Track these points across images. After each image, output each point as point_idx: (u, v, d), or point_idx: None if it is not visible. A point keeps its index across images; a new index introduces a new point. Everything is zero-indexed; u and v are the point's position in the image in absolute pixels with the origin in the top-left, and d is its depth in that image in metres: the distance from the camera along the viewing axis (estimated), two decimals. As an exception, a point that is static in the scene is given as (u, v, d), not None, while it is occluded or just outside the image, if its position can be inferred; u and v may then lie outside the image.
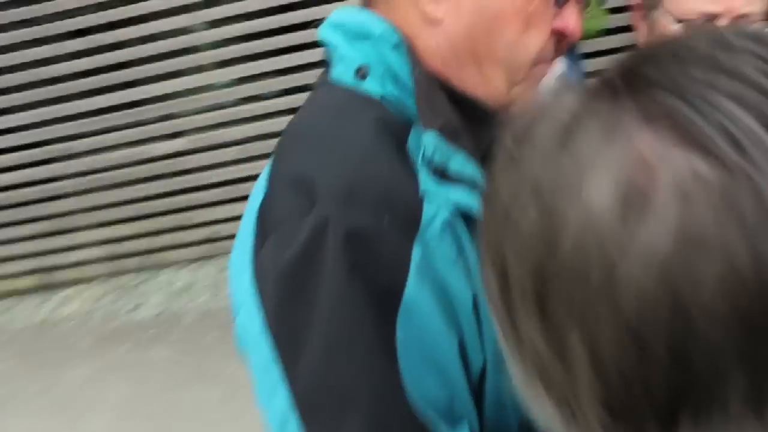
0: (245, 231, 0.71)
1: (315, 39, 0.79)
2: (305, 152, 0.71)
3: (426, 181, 0.67)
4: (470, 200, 0.68)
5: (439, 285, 0.66)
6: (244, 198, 0.78)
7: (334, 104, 0.74)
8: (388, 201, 0.65)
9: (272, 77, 3.47)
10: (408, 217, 0.65)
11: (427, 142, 0.68)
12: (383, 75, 0.71)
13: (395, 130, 0.69)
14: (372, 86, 0.71)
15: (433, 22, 0.71)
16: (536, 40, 0.74)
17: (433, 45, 0.72)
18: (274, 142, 0.78)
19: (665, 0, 1.03)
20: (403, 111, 0.71)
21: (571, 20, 0.97)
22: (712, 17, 0.97)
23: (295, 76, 3.38)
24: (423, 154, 0.68)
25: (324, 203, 0.64)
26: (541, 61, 1.01)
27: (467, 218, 0.67)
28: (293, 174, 0.69)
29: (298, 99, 2.85)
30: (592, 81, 0.36)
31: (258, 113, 3.51)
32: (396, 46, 0.71)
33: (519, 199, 0.35)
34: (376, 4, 0.75)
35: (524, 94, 0.77)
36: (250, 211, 0.72)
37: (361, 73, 0.72)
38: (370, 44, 0.72)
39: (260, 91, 3.51)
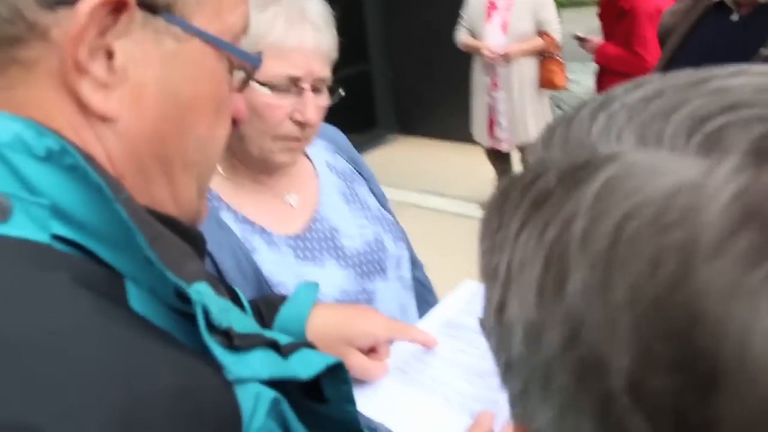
0: None
1: None
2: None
3: (224, 356, 0.51)
4: (278, 366, 0.56)
5: None
6: None
7: None
8: (184, 415, 0.46)
9: None
10: (221, 424, 0.49)
11: (204, 300, 0.51)
12: (36, 207, 0.48)
13: (109, 292, 0.49)
14: (21, 228, 0.48)
15: (104, 119, 0.52)
16: (224, 132, 0.62)
17: (101, 152, 0.52)
18: None
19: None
20: (91, 256, 0.50)
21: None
22: (295, 80, 1.09)
23: None
24: (207, 318, 0.51)
25: None
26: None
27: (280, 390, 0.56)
28: None
29: None
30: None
31: None
32: (57, 154, 0.49)
33: None
34: None
35: (204, 203, 0.65)
36: None
37: None
38: None
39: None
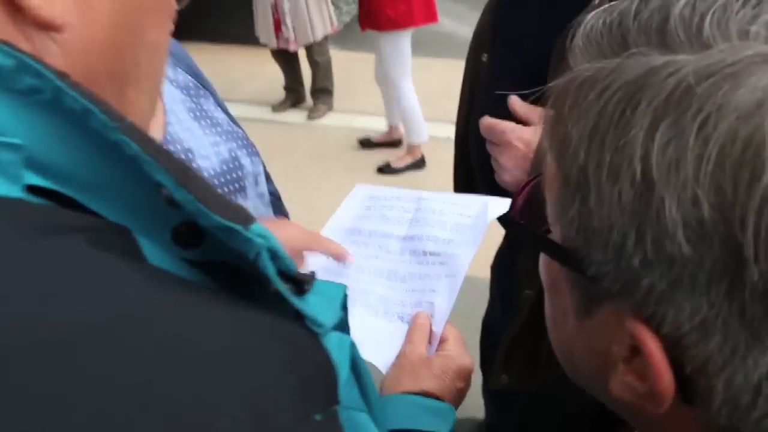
0: None
1: None
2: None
3: (308, 309, 0.43)
4: (331, 308, 0.48)
5: None
6: None
7: None
8: (299, 390, 0.38)
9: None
10: (325, 387, 0.42)
11: (270, 243, 0.41)
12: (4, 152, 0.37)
13: (125, 250, 0.40)
14: None
15: (46, 27, 0.40)
16: (168, 34, 0.51)
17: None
18: None
19: None
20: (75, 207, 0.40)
21: None
22: None
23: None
24: (278, 266, 0.42)
25: None
26: None
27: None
28: None
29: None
30: None
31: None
32: (14, 70, 0.38)
33: None
34: None
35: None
36: None
37: None
38: None
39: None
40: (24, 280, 0.34)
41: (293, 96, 5.48)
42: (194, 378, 0.34)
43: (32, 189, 0.38)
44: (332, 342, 0.45)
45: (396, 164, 4.47)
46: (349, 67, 5.79)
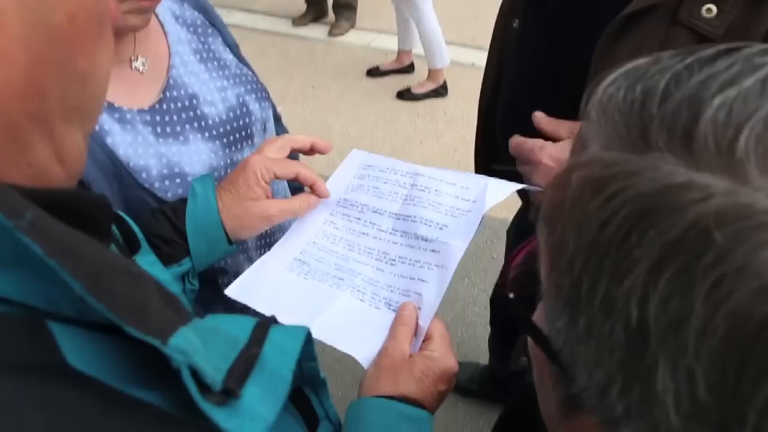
0: None
1: None
2: None
3: (230, 422, 0.41)
4: (271, 389, 0.47)
5: None
6: None
7: None
8: None
9: None
10: None
11: (191, 357, 0.40)
12: None
13: (39, 354, 0.38)
14: None
15: None
16: (108, 57, 0.47)
17: None
18: None
19: None
20: None
21: None
22: None
23: None
24: (199, 380, 0.40)
25: None
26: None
27: None
28: None
29: None
30: None
31: None
32: None
33: None
34: None
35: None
36: None
37: None
38: None
39: None
40: None
41: (315, 10, 5.27)
42: None
43: None
44: None
45: (416, 90, 4.28)
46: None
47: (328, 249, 1.00)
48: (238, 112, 1.14)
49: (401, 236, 0.97)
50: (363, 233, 1.00)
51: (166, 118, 1.04)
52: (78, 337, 0.39)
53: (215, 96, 1.12)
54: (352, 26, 5.15)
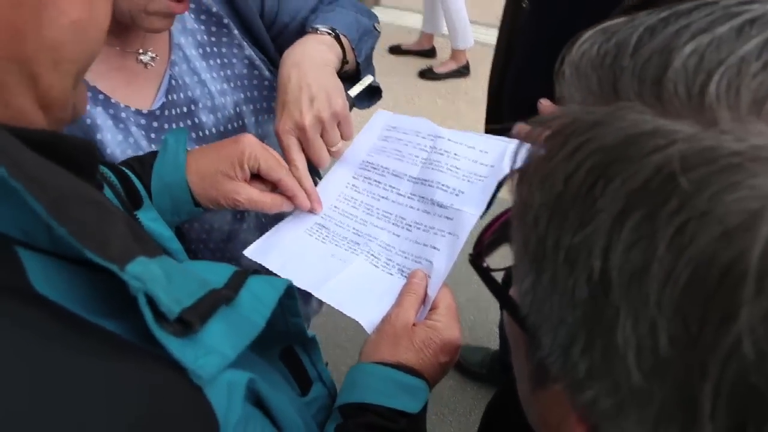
0: None
1: None
2: None
3: (184, 353, 0.42)
4: (237, 330, 0.48)
5: None
6: None
7: None
8: None
9: None
10: None
11: (148, 286, 0.41)
12: None
13: (5, 277, 0.39)
14: None
15: None
16: (105, 10, 0.47)
17: None
18: None
19: None
20: None
21: None
22: None
23: None
24: (155, 305, 0.41)
25: None
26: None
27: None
28: None
29: None
30: None
31: None
32: None
33: None
34: None
35: (82, 92, 0.50)
36: None
37: None
38: None
39: None
40: None
41: (339, -15, 5.20)
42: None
43: None
44: (219, 388, 0.44)
45: (438, 69, 4.25)
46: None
47: (348, 213, 0.99)
48: (233, 125, 1.08)
49: (419, 201, 0.95)
50: (383, 197, 0.99)
51: (165, 126, 0.99)
52: (48, 266, 0.40)
53: (214, 101, 1.06)
54: (376, 3, 5.10)
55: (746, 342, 0.27)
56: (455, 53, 4.21)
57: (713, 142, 0.29)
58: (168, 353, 0.41)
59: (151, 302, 0.41)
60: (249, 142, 0.91)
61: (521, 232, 0.38)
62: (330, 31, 1.04)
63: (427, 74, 4.25)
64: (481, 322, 2.59)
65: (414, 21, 4.72)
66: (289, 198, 0.95)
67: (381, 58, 4.43)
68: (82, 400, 0.36)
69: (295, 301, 0.60)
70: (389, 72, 4.23)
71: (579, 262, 0.32)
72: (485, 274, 0.49)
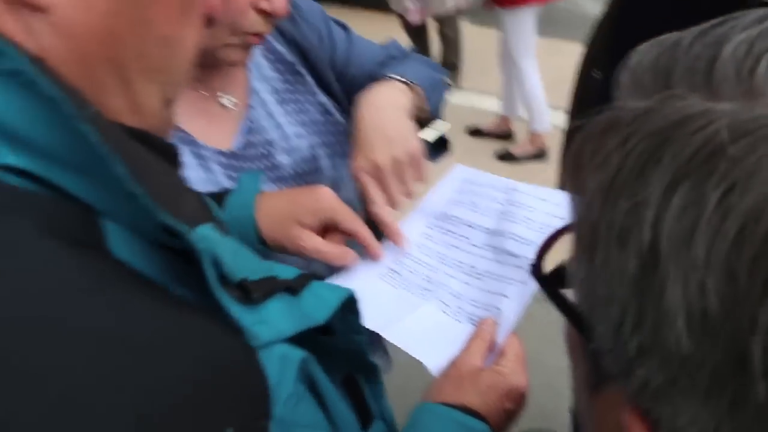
0: None
1: None
2: None
3: (243, 316, 0.44)
4: (296, 315, 0.49)
5: None
6: None
7: None
8: (211, 404, 0.39)
9: None
10: (249, 401, 0.42)
11: (213, 248, 0.43)
12: None
13: (83, 237, 0.41)
14: None
15: (33, 7, 0.41)
16: (194, 32, 0.52)
17: (36, 48, 0.42)
18: None
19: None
20: (51, 192, 0.41)
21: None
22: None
23: None
24: (220, 270, 0.43)
25: None
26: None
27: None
28: None
29: None
30: None
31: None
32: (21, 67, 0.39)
33: None
34: None
35: (172, 113, 0.54)
36: None
37: None
38: None
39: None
40: None
41: (419, 69, 5.31)
42: (81, 372, 0.34)
43: (12, 170, 0.40)
44: (272, 357, 0.44)
45: (516, 152, 4.27)
46: (482, 43, 5.56)
47: (421, 260, 1.00)
48: (308, 167, 1.11)
49: (491, 251, 0.97)
50: (455, 246, 1.00)
51: (244, 165, 1.04)
52: (126, 236, 0.43)
53: (290, 144, 1.10)
54: (456, 86, 5.20)
55: None
56: (533, 137, 4.23)
57: (758, 113, 0.30)
58: (226, 315, 0.43)
59: (215, 267, 0.43)
60: (324, 193, 0.94)
61: (576, 225, 0.39)
62: (403, 79, 1.08)
63: (505, 157, 4.28)
64: (553, 408, 2.52)
65: (492, 104, 4.78)
66: (365, 245, 0.97)
67: (459, 139, 4.49)
68: (157, 342, 0.38)
69: (357, 317, 0.60)
70: (467, 153, 4.28)
71: (630, 238, 0.33)
72: (540, 280, 0.49)
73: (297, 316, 0.49)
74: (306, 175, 1.11)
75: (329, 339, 0.57)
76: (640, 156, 0.33)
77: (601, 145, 0.36)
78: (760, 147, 0.29)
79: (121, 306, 0.39)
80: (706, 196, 0.30)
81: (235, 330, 0.43)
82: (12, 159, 0.40)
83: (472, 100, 5.06)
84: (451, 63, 5.15)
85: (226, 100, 1.06)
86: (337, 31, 1.20)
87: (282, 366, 0.45)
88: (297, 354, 0.47)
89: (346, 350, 0.62)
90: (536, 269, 0.50)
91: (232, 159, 1.03)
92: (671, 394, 0.33)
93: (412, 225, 1.06)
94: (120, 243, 0.42)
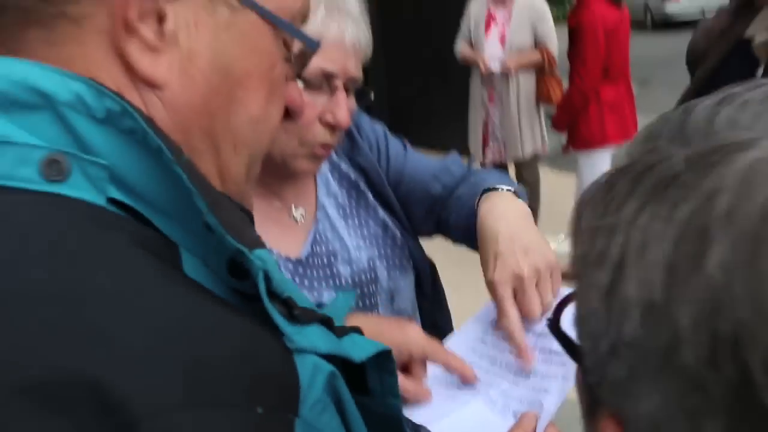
0: None
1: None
2: (47, 340, 0.39)
3: (284, 325, 0.48)
4: (333, 343, 0.53)
5: None
6: None
7: (43, 236, 0.44)
8: (245, 377, 0.43)
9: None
10: (281, 391, 0.46)
11: (267, 266, 0.48)
12: (94, 169, 0.47)
13: (165, 256, 0.48)
14: (79, 188, 0.47)
15: (151, 84, 0.50)
16: (277, 115, 0.60)
17: (148, 116, 0.50)
18: None
19: None
20: (145, 222, 0.49)
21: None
22: (329, 76, 0.99)
23: None
24: (269, 286, 0.48)
25: (156, 419, 0.38)
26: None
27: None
28: (37, 379, 0.37)
29: None
30: None
31: None
32: (117, 116, 0.47)
33: None
34: (24, 51, 0.49)
35: (250, 187, 0.62)
36: None
37: (56, 169, 0.46)
38: (49, 115, 0.47)
39: None
40: (42, 248, 0.43)
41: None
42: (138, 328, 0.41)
43: (115, 202, 0.48)
44: (306, 362, 0.49)
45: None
46: (560, 188, 5.59)
47: (473, 361, 1.01)
48: (366, 277, 1.14)
49: (540, 351, 0.99)
50: (507, 350, 1.01)
51: (308, 273, 1.08)
52: (197, 263, 0.50)
53: (350, 255, 1.14)
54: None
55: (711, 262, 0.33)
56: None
57: (709, 146, 0.37)
58: (271, 322, 0.48)
59: (266, 282, 0.48)
60: (413, 331, 0.98)
61: (576, 261, 0.44)
62: (510, 189, 1.11)
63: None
64: None
65: (569, 248, 4.73)
66: (460, 374, 0.98)
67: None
68: (216, 325, 0.46)
69: (395, 379, 0.59)
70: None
71: (606, 256, 0.39)
72: (559, 332, 0.53)
73: (334, 344, 0.53)
74: (363, 283, 1.14)
75: (366, 399, 0.58)
76: (620, 194, 0.40)
77: (600, 190, 0.43)
78: (707, 171, 0.35)
79: (190, 298, 0.46)
80: (660, 212, 0.36)
81: (277, 334, 0.49)
82: (116, 194, 0.48)
83: (551, 243, 5.02)
84: (530, 207, 5.13)
85: (298, 213, 1.12)
86: (395, 146, 1.27)
87: (313, 373, 0.49)
88: (327, 367, 0.51)
89: (381, 414, 0.61)
90: (554, 324, 0.54)
91: (298, 266, 1.08)
92: (632, 383, 0.38)
93: (469, 330, 1.08)
94: (192, 268, 0.49)
